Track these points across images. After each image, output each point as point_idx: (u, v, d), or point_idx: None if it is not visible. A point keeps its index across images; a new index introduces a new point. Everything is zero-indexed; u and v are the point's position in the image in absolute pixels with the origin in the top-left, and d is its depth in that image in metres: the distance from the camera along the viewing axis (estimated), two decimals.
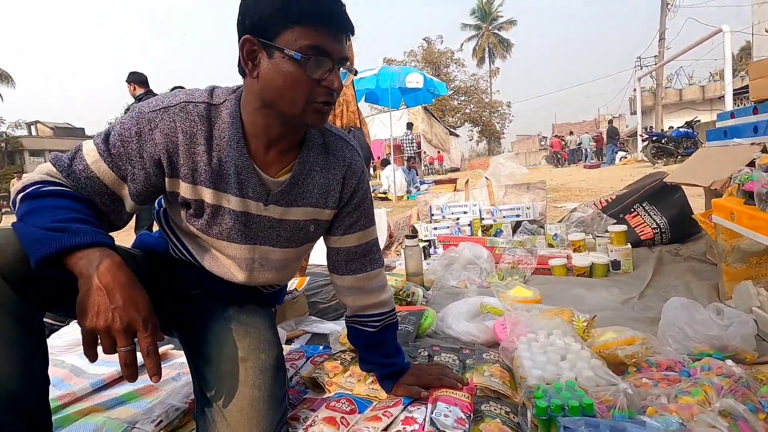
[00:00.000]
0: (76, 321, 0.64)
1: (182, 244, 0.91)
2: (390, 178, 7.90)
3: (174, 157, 0.78)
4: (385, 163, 8.80)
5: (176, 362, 1.38)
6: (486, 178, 3.10)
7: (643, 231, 2.41)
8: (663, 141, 10.15)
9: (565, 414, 0.83)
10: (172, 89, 3.96)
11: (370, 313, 1.04)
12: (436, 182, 8.31)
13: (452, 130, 25.63)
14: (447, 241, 2.65)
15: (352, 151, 0.94)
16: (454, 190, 3.70)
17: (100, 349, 0.63)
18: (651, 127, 14.77)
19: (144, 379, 0.68)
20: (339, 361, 1.19)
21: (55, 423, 0.98)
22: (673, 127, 11.03)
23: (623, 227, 2.12)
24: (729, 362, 0.99)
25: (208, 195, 0.80)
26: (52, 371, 1.30)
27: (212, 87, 0.84)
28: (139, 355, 0.63)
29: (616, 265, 2.06)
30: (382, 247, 2.98)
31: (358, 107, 2.54)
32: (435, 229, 2.84)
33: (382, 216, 3.10)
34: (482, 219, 2.83)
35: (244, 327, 0.91)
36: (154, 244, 0.97)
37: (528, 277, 2.08)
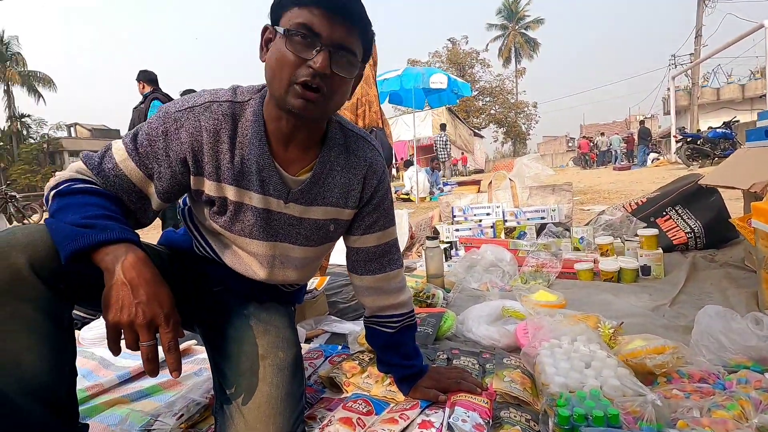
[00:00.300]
0: None
1: (205, 241, 0.93)
2: (413, 179, 7.88)
3: (199, 156, 0.79)
4: (408, 164, 8.80)
5: (198, 357, 1.41)
6: (510, 179, 3.04)
7: (675, 235, 2.32)
8: (698, 142, 9.72)
9: (589, 424, 0.80)
10: (182, 93, 4.07)
11: (388, 314, 1.03)
12: (459, 183, 8.23)
13: (476, 131, 25.35)
14: (469, 243, 2.62)
15: (374, 150, 0.94)
16: (477, 192, 3.66)
17: (123, 343, 0.64)
18: (684, 127, 14.19)
19: (166, 374, 0.69)
20: (357, 362, 1.19)
21: (83, 413, 1.02)
22: (713, 127, 10.54)
23: (654, 231, 2.04)
24: None
25: (231, 192, 0.82)
26: (82, 362, 1.36)
27: (235, 86, 0.85)
28: (160, 350, 0.65)
29: (646, 270, 1.99)
30: (403, 248, 2.97)
31: (380, 108, 2.54)
32: (457, 230, 2.81)
33: (403, 217, 3.09)
34: (505, 221, 2.78)
35: (264, 325, 0.92)
36: (179, 241, 0.99)
37: (552, 281, 2.03)
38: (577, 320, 1.28)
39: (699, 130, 12.02)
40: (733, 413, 0.80)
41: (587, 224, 2.67)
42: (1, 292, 0.63)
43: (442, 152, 11.22)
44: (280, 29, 0.72)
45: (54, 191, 0.73)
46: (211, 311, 0.96)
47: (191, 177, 0.81)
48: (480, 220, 2.84)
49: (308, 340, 1.51)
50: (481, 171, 19.98)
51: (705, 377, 0.98)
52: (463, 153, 20.61)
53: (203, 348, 1.44)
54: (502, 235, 2.72)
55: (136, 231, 0.74)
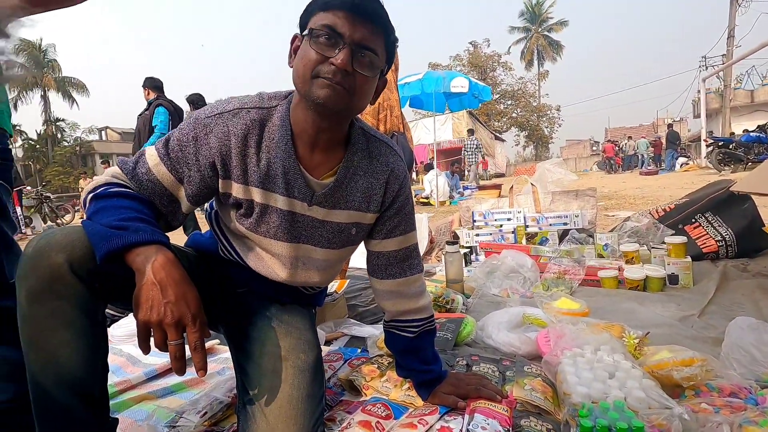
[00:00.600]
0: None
1: (230, 244, 0.95)
2: (432, 183, 7.86)
3: (227, 160, 0.82)
4: (429, 167, 8.78)
5: (222, 357, 1.45)
6: (532, 184, 3.00)
7: (705, 243, 2.24)
8: (731, 146, 9.37)
9: None
10: (187, 98, 4.17)
11: (408, 319, 1.03)
12: (480, 188, 8.16)
13: (498, 134, 25.10)
14: (489, 248, 2.59)
15: (395, 155, 0.95)
16: (498, 196, 3.62)
17: (152, 342, 0.67)
18: (712, 131, 13.69)
19: (192, 372, 0.71)
20: (376, 365, 1.20)
21: (112, 407, 1.06)
22: (748, 130, 10.13)
23: (683, 239, 1.98)
24: None
25: (257, 195, 0.84)
26: (112, 359, 1.40)
27: (262, 93, 0.88)
28: (186, 349, 0.67)
29: (673, 279, 1.93)
30: (422, 252, 2.97)
31: (401, 112, 2.55)
32: (477, 235, 2.79)
33: (423, 221, 3.08)
34: (527, 226, 2.74)
35: (286, 326, 0.94)
36: (205, 244, 1.03)
37: (575, 288, 1.99)
38: (600, 329, 1.25)
39: (733, 134, 11.57)
40: (766, 430, 0.77)
41: (612, 231, 2.61)
42: (42, 290, 0.67)
43: (472, 156, 11.28)
44: (306, 32, 0.76)
45: (91, 194, 0.76)
46: (235, 312, 0.98)
47: (219, 180, 0.84)
48: (501, 225, 2.81)
49: (328, 343, 1.53)
50: (502, 175, 19.76)
51: (736, 391, 0.95)
52: (483, 157, 20.42)
53: (226, 347, 1.47)
54: (524, 241, 2.68)
55: (166, 233, 0.76)
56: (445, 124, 19.49)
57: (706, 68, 18.45)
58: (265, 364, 0.87)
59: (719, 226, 2.25)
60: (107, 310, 1.69)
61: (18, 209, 7.64)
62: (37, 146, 27.66)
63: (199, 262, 0.97)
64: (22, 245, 0.78)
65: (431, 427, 0.94)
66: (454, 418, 0.96)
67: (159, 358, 1.39)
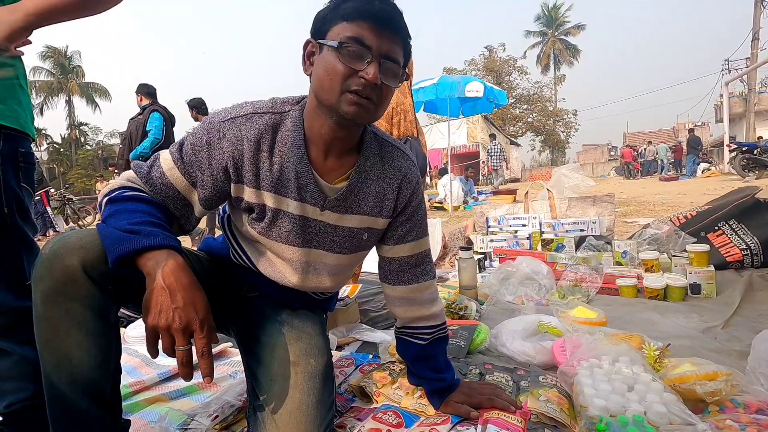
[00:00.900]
0: None
1: (241, 248, 0.96)
2: (447, 188, 7.82)
3: (239, 164, 0.82)
4: (443, 172, 8.75)
5: (233, 360, 1.45)
6: (548, 189, 2.96)
7: (729, 252, 2.16)
8: (755, 152, 9.09)
9: None
10: (188, 102, 4.24)
11: (420, 326, 1.02)
12: (494, 192, 8.09)
13: (513, 139, 24.90)
14: (504, 254, 2.56)
15: (408, 160, 0.95)
16: (513, 202, 3.58)
17: (160, 345, 0.67)
18: (735, 137, 13.32)
19: (199, 376, 0.71)
20: (387, 372, 1.18)
21: (125, 408, 1.07)
22: None
23: (705, 247, 1.92)
24: None
25: (269, 199, 0.84)
26: (126, 359, 1.43)
27: (274, 98, 0.88)
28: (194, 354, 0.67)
29: (695, 288, 1.87)
30: (435, 257, 2.95)
31: (415, 117, 2.54)
32: (491, 241, 2.76)
33: (436, 226, 3.06)
34: (542, 232, 2.70)
35: (296, 332, 0.94)
36: (217, 248, 1.03)
37: (592, 296, 1.95)
38: (619, 339, 1.21)
39: (760, 138, 11.24)
40: None
41: (631, 238, 2.55)
42: (57, 292, 0.67)
43: (496, 161, 11.41)
44: (331, 43, 0.75)
45: (107, 198, 0.77)
46: (246, 316, 0.99)
47: (232, 185, 0.84)
48: (515, 231, 2.77)
49: (339, 348, 1.52)
50: (517, 180, 19.60)
51: (763, 408, 0.91)
52: (489, 161, 20.28)
53: (237, 350, 1.48)
54: (539, 247, 2.64)
55: (178, 237, 0.77)
56: (460, 128, 19.43)
57: (729, 71, 18.00)
58: (275, 369, 0.87)
59: (744, 234, 2.17)
60: (123, 312, 1.72)
61: (48, 209, 7.92)
62: (61, 149, 28.53)
63: (211, 266, 0.97)
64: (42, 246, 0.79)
65: None
66: (467, 429, 0.94)
67: (172, 360, 1.40)
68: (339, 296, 1.68)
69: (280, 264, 0.92)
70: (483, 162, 19.69)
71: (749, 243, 2.14)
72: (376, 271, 1.06)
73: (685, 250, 2.04)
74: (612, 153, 34.05)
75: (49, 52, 27.56)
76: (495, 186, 10.45)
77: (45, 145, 27.56)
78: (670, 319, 1.62)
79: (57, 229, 8.03)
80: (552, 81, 35.07)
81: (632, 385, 0.96)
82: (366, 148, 0.89)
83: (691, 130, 16.05)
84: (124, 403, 0.87)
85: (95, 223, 9.19)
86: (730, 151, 10.10)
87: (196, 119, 4.77)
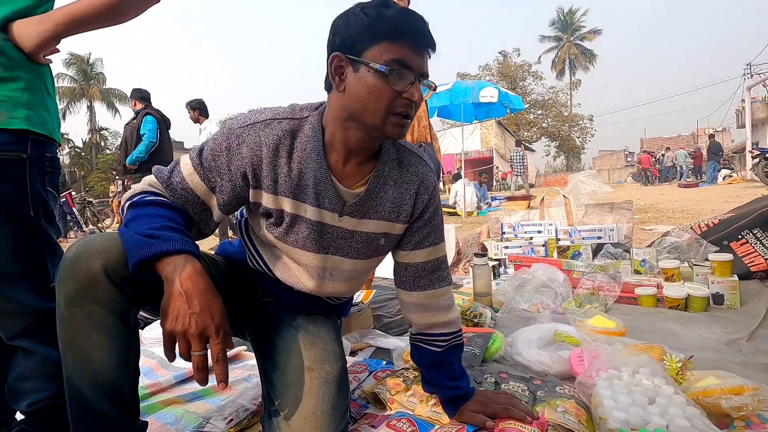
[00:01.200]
0: None
1: (258, 253, 0.96)
2: (459, 193, 7.78)
3: (258, 170, 0.83)
4: (457, 177, 8.72)
5: (248, 363, 1.46)
6: (564, 196, 2.92)
7: (753, 261, 2.10)
8: None
9: None
10: (187, 103, 4.30)
11: (436, 332, 1.01)
12: (509, 198, 8.02)
13: (527, 144, 24.69)
14: (519, 261, 2.53)
15: (425, 166, 0.94)
16: (528, 208, 3.54)
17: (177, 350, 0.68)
18: (758, 143, 12.98)
19: (215, 380, 0.72)
20: (401, 379, 1.17)
21: (142, 410, 1.08)
22: None
23: (728, 256, 1.86)
24: None
25: (287, 204, 0.84)
26: (143, 361, 1.43)
27: (293, 104, 0.89)
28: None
29: (718, 298, 1.81)
30: (449, 263, 2.93)
31: (429, 123, 2.55)
32: (506, 247, 2.73)
33: (450, 232, 3.04)
34: (558, 240, 2.66)
35: (312, 337, 0.94)
36: (234, 253, 1.04)
37: (610, 305, 1.91)
38: (639, 350, 1.19)
39: None
40: None
41: (650, 246, 2.50)
42: (80, 295, 0.69)
43: (519, 167, 11.67)
44: (375, 65, 0.74)
45: (128, 202, 0.79)
46: (262, 321, 0.99)
47: (250, 190, 0.85)
48: (531, 238, 2.74)
49: (353, 353, 1.52)
50: (531, 186, 19.43)
51: None
52: (512, 167, 20.15)
53: (253, 354, 1.49)
54: (555, 255, 2.60)
55: (196, 242, 0.78)
56: (473, 133, 19.35)
57: (751, 76, 17.57)
58: (291, 375, 0.87)
59: None
60: (141, 314, 1.75)
61: (74, 210, 8.14)
62: (83, 153, 29.30)
63: (228, 271, 0.98)
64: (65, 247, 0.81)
65: None
66: None
67: (189, 363, 1.41)
68: (353, 302, 1.68)
69: (297, 269, 0.92)
70: (497, 168, 19.58)
71: None
72: (390, 276, 1.06)
73: (706, 259, 1.99)
74: (629, 159, 33.53)
75: (72, 59, 28.45)
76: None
77: (67, 149, 28.35)
78: (692, 330, 1.58)
79: (83, 230, 8.26)
80: (567, 86, 34.77)
81: (653, 398, 0.93)
82: (384, 153, 0.89)
83: (711, 136, 15.72)
84: (140, 405, 0.88)
85: (113, 225, 9.39)
86: (753, 158, 9.84)
87: (196, 121, 4.79)
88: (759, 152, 9.40)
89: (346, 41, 0.76)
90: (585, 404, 1.03)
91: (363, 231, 0.90)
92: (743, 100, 13.81)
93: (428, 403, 1.07)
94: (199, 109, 4.73)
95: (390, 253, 1.02)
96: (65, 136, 27.72)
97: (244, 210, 0.97)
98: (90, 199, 9.66)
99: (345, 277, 0.95)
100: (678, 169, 17.55)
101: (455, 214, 7.69)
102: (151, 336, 1.66)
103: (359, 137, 0.82)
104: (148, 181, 0.83)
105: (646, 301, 1.90)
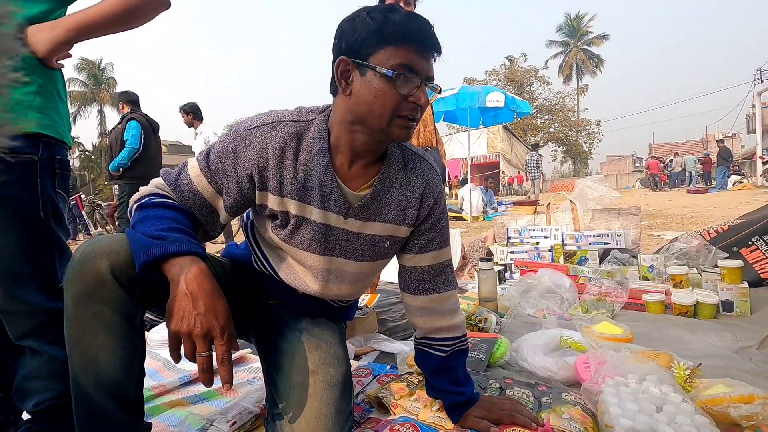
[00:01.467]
0: None
1: (263, 255, 0.97)
2: (466, 198, 7.76)
3: (264, 172, 0.83)
4: (463, 182, 8.71)
5: (252, 366, 1.46)
6: (571, 201, 2.90)
7: (764, 268, 2.07)
8: None
9: None
10: (182, 107, 4.26)
11: (440, 337, 1.01)
12: (515, 203, 7.99)
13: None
14: (524, 266, 2.51)
15: (431, 169, 0.95)
16: (534, 213, 3.52)
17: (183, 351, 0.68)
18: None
19: (219, 382, 0.72)
20: (405, 383, 1.17)
21: (146, 411, 1.09)
22: None
23: (738, 262, 1.84)
24: None
25: (293, 206, 0.85)
26: (149, 362, 1.45)
27: (300, 107, 0.89)
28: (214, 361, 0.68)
29: (728, 306, 1.79)
30: (455, 268, 2.91)
31: (435, 127, 2.55)
32: (512, 252, 2.72)
33: (455, 236, 3.04)
34: (565, 245, 2.64)
35: (316, 340, 0.94)
36: (239, 255, 1.05)
37: (617, 311, 1.88)
38: (646, 357, 1.17)
39: None
40: None
41: (658, 251, 2.47)
42: (87, 295, 0.70)
43: (533, 171, 11.66)
44: (382, 70, 0.75)
45: (136, 204, 0.80)
46: (266, 323, 0.99)
47: (256, 192, 0.85)
48: (537, 243, 2.72)
49: (357, 357, 1.52)
50: (540, 191, 19.37)
51: None
52: (519, 172, 20.08)
53: (257, 357, 1.49)
54: (561, 260, 2.58)
55: (203, 244, 0.78)
56: (480, 138, 19.33)
57: (762, 81, 17.42)
58: (294, 378, 0.87)
59: None
60: (147, 315, 1.76)
61: (83, 213, 8.23)
62: (92, 157, 29.66)
63: (234, 273, 0.99)
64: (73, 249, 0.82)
65: None
66: None
67: (193, 364, 1.42)
68: (358, 305, 1.67)
69: (302, 271, 0.92)
70: (503, 173, 19.53)
71: None
72: (395, 280, 1.05)
73: (716, 266, 1.96)
74: (637, 164, 33.26)
75: (83, 64, 28.91)
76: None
77: (77, 153, 28.72)
78: (701, 337, 1.55)
79: (90, 233, 8.35)
80: (574, 91, 34.65)
81: (661, 406, 0.92)
82: (390, 156, 0.89)
83: (720, 141, 15.54)
84: (145, 406, 0.89)
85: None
86: (764, 163, 9.74)
87: (190, 125, 4.74)
88: None
89: (353, 45, 0.77)
90: (591, 411, 1.02)
91: (368, 233, 0.90)
92: (753, 106, 13.68)
93: (432, 408, 1.06)
94: (192, 113, 4.67)
95: (395, 257, 1.02)
96: (76, 139, 28.10)
97: (251, 212, 0.98)
98: (99, 202, 9.78)
99: (350, 280, 0.95)
100: (687, 174, 17.38)
101: (461, 218, 7.67)
102: (157, 338, 1.67)
103: (365, 140, 0.83)
104: (156, 183, 0.84)
105: (653, 308, 1.88)
